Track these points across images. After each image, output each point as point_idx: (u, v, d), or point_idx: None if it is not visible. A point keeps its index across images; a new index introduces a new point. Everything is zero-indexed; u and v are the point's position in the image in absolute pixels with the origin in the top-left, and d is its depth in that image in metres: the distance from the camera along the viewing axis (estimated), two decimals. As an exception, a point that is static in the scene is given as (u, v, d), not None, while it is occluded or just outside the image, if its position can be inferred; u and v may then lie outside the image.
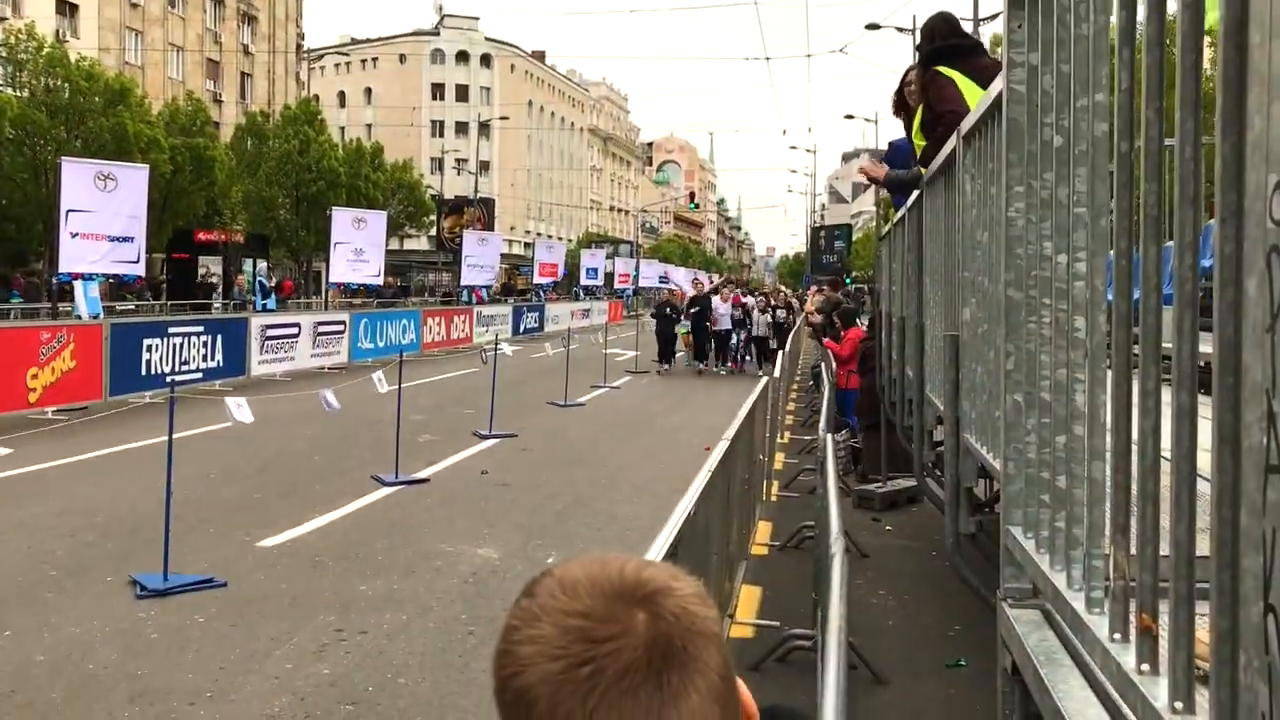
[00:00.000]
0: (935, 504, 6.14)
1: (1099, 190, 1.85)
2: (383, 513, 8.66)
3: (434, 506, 8.93)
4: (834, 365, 11.65)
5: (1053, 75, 2.08)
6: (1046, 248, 2.12)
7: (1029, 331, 2.27)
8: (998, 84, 2.84)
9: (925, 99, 5.47)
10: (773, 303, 23.22)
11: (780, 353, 14.59)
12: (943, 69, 5.32)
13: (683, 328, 22.41)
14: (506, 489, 9.75)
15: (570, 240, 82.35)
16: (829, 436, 6.07)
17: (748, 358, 22.37)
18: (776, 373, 11.39)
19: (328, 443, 12.01)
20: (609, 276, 52.93)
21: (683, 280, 32.26)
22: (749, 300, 22.58)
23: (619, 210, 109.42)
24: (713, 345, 22.24)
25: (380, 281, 26.00)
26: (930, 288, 5.40)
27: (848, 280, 46.64)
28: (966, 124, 3.74)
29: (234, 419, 6.97)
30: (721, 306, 21.67)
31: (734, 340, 21.81)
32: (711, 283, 25.47)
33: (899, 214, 7.60)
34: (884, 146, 8.83)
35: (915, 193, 6.21)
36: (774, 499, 9.73)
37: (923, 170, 5.62)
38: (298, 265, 46.41)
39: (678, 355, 23.03)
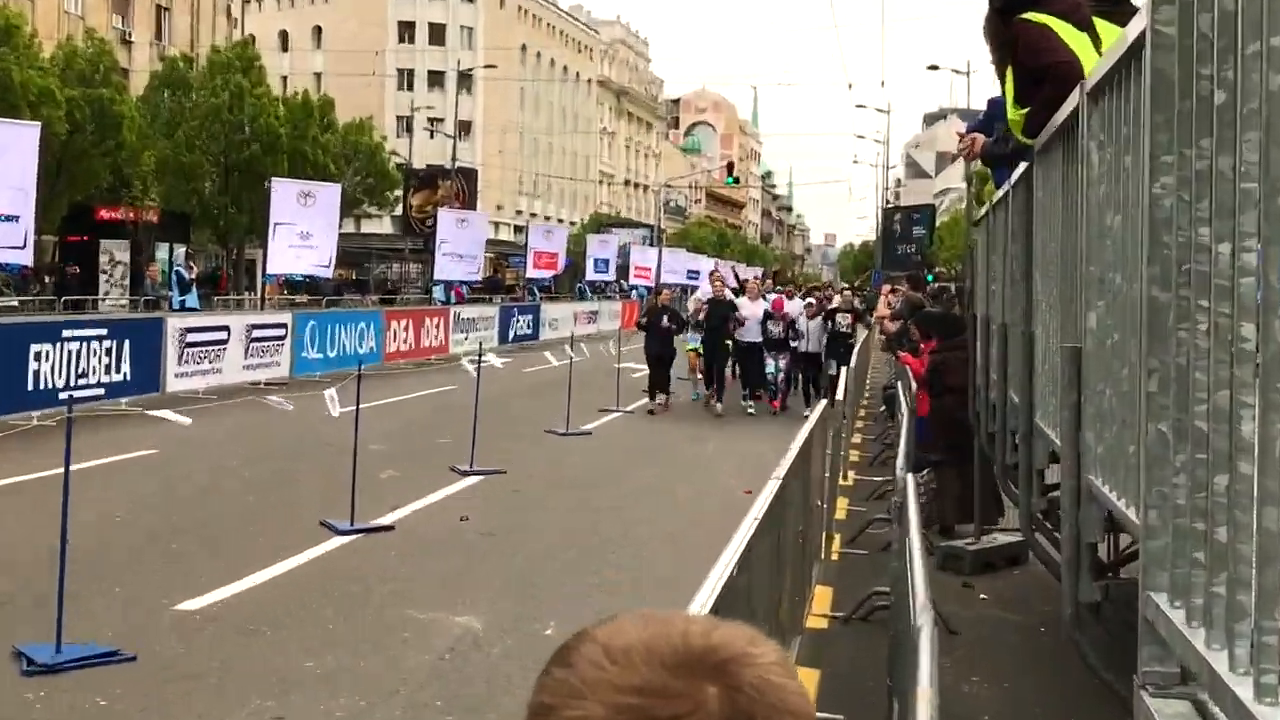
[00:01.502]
0: (1047, 565, 6.11)
1: (1275, 159, 1.85)
2: (335, 569, 8.70)
3: (400, 561, 8.97)
4: (913, 386, 11.64)
5: (1213, 13, 2.08)
6: (1203, 234, 2.12)
7: (1179, 342, 2.27)
8: (1137, 25, 2.85)
9: (1013, 57, 5.47)
10: (829, 304, 20.66)
11: (843, 374, 13.18)
12: (1031, 16, 5.32)
13: (689, 343, 20.12)
14: (492, 539, 9.79)
15: (574, 223, 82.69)
16: (909, 477, 6.07)
17: (793, 390, 19.96)
18: (840, 393, 11.39)
19: (265, 478, 12.07)
20: (623, 270, 53.13)
21: (724, 271, 31.90)
22: (794, 306, 19.70)
23: (636, 185, 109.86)
24: (736, 371, 19.85)
25: (331, 273, 26.21)
26: (1042, 286, 5.40)
27: (929, 277, 46.65)
28: (1093, 77, 3.75)
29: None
30: (749, 308, 19.08)
31: (772, 366, 19.23)
32: (755, 281, 22.24)
33: (1000, 192, 7.60)
34: (979, 105, 8.86)
35: (1022, 166, 6.21)
36: (836, 557, 9.74)
37: (1027, 141, 5.62)
38: (226, 252, 46.74)
39: (683, 380, 20.85)
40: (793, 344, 19.22)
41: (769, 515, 5.02)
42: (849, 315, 19.94)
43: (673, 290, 24.82)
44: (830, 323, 19.66)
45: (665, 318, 19.25)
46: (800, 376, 19.94)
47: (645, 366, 19.88)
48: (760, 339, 19.02)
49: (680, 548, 9.81)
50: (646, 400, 19.44)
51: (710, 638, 0.80)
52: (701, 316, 19.47)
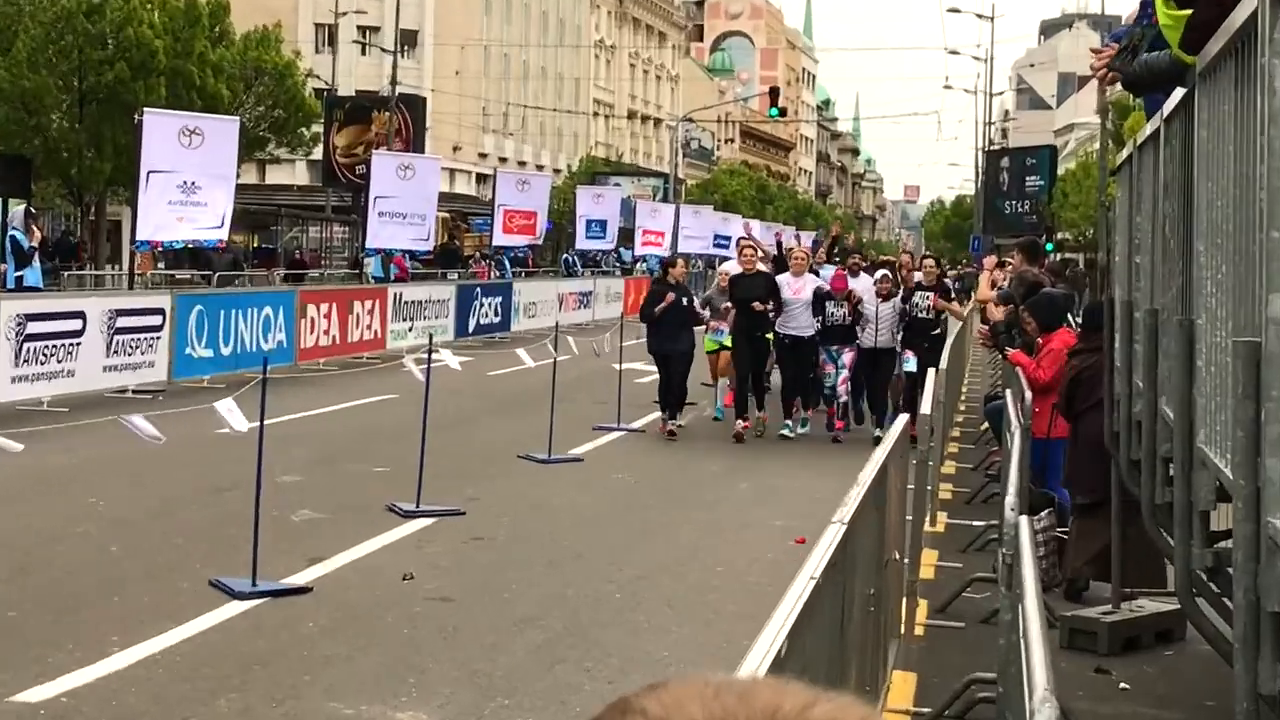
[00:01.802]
0: (1212, 643, 6.11)
1: None
2: (231, 645, 8.71)
3: (320, 636, 8.98)
4: (1027, 396, 11.63)
5: None
6: None
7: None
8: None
9: None
10: (909, 282, 19.59)
11: (929, 378, 12.68)
12: None
13: (713, 339, 20.05)
14: (448, 606, 9.78)
15: (559, 171, 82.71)
16: (1022, 521, 6.07)
17: (860, 406, 19.45)
18: (926, 408, 11.38)
19: (136, 523, 12.10)
20: (626, 235, 53.14)
21: (760, 236, 31.35)
22: (862, 284, 18.88)
23: (645, 119, 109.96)
24: (781, 377, 19.35)
25: (224, 239, 26.21)
26: (1206, 260, 5.40)
27: (1049, 246, 46.62)
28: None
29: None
30: (794, 286, 18.52)
31: (832, 370, 18.64)
32: (802, 251, 20.45)
33: (1147, 129, 7.59)
34: (1118, 7, 8.86)
35: (1179, 92, 6.21)
36: (920, 632, 9.73)
37: (1186, 57, 5.62)
38: (81, 210, 46.81)
39: (706, 386, 20.72)
40: (859, 337, 18.56)
41: (829, 575, 5.01)
42: (931, 295, 18.97)
43: (689, 262, 23.70)
44: (908, 307, 18.74)
45: (668, 296, 18.34)
46: (864, 381, 19.07)
47: (657, 369, 19.30)
48: (811, 330, 18.42)
49: (703, 620, 9.79)
50: (658, 415, 19.19)
51: (782, 704, 0.79)
52: (727, 302, 18.82)
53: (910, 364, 18.54)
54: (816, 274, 19.33)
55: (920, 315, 18.87)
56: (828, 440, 18.58)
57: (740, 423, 18.37)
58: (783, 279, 18.58)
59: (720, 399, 20.41)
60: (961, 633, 9.76)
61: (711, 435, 19.01)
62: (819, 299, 18.41)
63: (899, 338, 18.79)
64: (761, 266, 18.94)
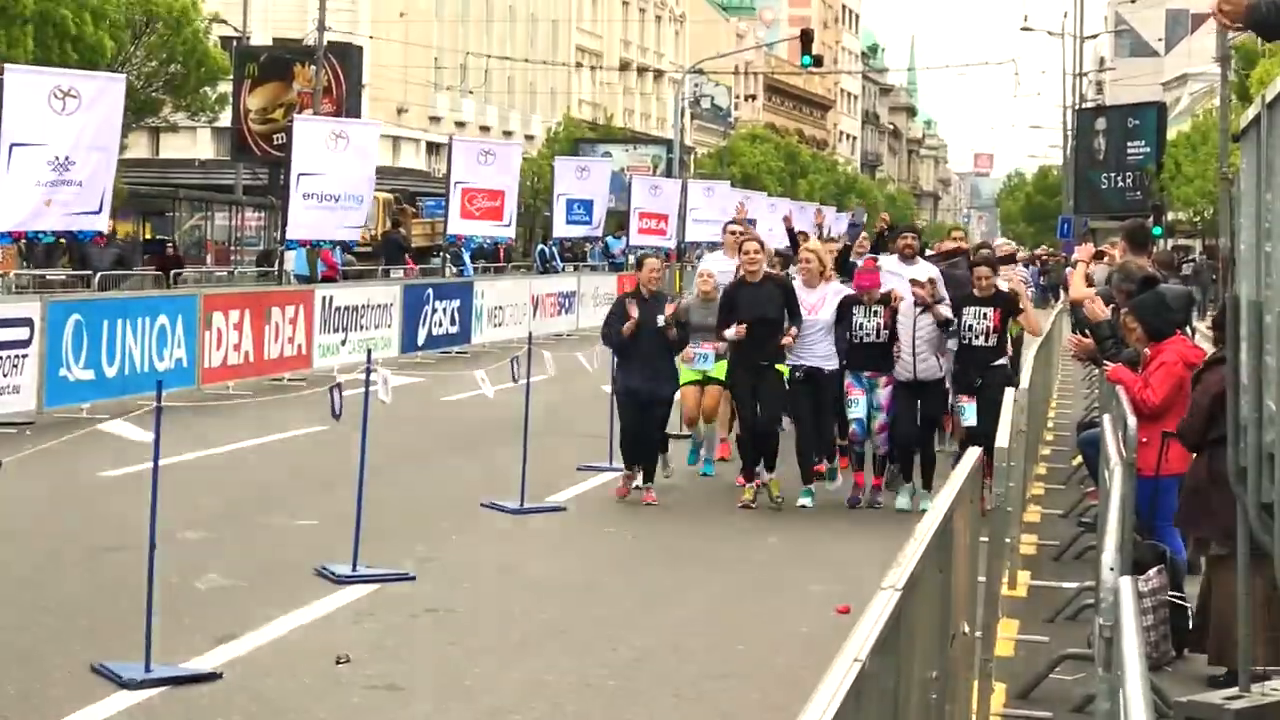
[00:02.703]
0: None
1: None
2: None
3: (232, 736, 8.97)
4: (1131, 423, 11.63)
5: None
6: None
7: None
8: None
9: None
10: (979, 283, 16.77)
11: (1004, 427, 11.88)
12: None
13: (693, 367, 17.92)
14: (394, 697, 9.78)
15: (532, 138, 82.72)
16: (1123, 584, 6.07)
17: (890, 461, 17.24)
18: (1003, 439, 11.38)
19: (3, 592, 12.09)
20: (617, 220, 53.13)
21: (800, 221, 30.85)
22: (907, 276, 17.00)
23: (642, 72, 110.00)
24: (794, 426, 17.55)
25: (106, 229, 26.17)
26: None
27: (1158, 230, 46.59)
28: None
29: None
30: (809, 299, 16.79)
31: (860, 405, 16.78)
32: (823, 244, 19.07)
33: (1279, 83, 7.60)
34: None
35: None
36: (996, 723, 9.71)
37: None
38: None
39: (682, 438, 18.63)
40: (897, 358, 16.66)
41: (879, 655, 5.01)
42: (992, 309, 16.63)
43: (661, 260, 20.02)
44: (953, 323, 16.60)
45: (648, 321, 16.50)
46: (898, 427, 16.87)
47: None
48: (834, 361, 16.80)
49: (719, 714, 9.78)
50: (619, 472, 17.27)
51: None
52: (712, 318, 17.02)
53: (969, 415, 16.39)
54: (852, 273, 17.57)
55: (975, 341, 16.55)
56: (851, 504, 16.96)
57: (746, 487, 16.79)
58: (792, 271, 17.48)
59: (705, 450, 18.68)
60: (1049, 725, 9.76)
61: (728, 473, 18.85)
62: (845, 309, 16.66)
63: (946, 369, 16.84)
64: (767, 267, 17.24)
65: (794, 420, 17.44)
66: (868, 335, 16.63)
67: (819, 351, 16.73)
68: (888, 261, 17.62)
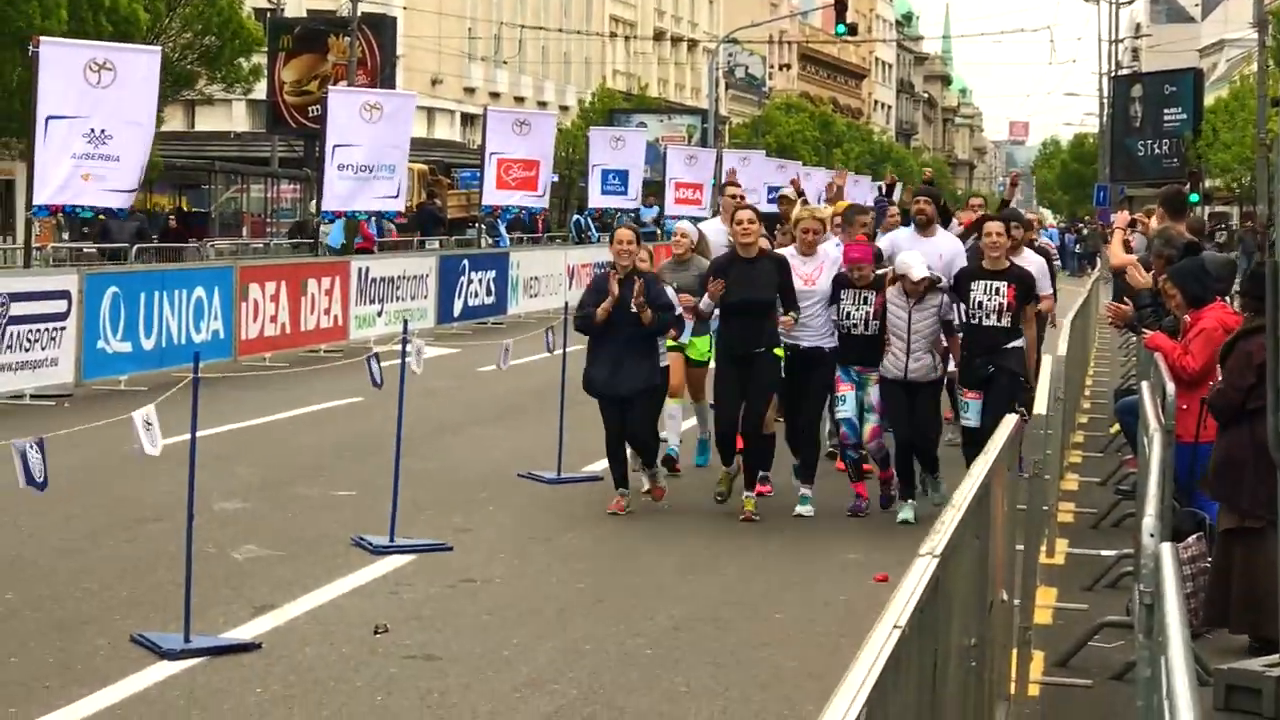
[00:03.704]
0: None
1: None
2: (162, 716, 8.73)
3: (273, 704, 9.00)
4: (1169, 390, 11.58)
5: None
6: None
7: None
8: None
9: None
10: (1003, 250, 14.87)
11: (1034, 395, 11.84)
12: None
13: (674, 342, 15.60)
14: (431, 666, 9.78)
15: (567, 109, 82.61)
16: (1164, 550, 6.04)
17: (897, 467, 15.05)
18: (1043, 406, 11.34)
19: (39, 564, 12.15)
20: (653, 190, 53.06)
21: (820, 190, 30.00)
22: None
23: (677, 42, 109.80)
24: (786, 419, 15.38)
25: (129, 203, 26.19)
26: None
27: (1194, 198, 46.33)
28: None
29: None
30: (803, 268, 14.76)
31: (848, 402, 14.87)
32: (826, 209, 16.62)
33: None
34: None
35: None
36: (1035, 692, 9.69)
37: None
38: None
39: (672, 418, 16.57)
40: (903, 348, 14.57)
41: (918, 622, 5.00)
42: (1006, 284, 14.69)
43: (636, 229, 15.99)
44: (965, 306, 14.74)
45: (624, 302, 14.22)
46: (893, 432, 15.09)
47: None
48: (834, 339, 14.81)
49: (758, 682, 9.77)
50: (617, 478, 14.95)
51: None
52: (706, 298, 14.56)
53: (971, 415, 14.68)
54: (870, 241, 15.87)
55: (986, 320, 14.64)
56: (850, 512, 14.84)
57: (730, 473, 14.94)
58: (788, 253, 14.96)
59: (704, 436, 17.01)
60: (1088, 693, 9.73)
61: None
62: (835, 292, 14.74)
63: (940, 362, 14.83)
64: (764, 241, 15.05)
65: (785, 412, 15.22)
66: (855, 326, 14.61)
67: (816, 328, 14.68)
68: (901, 235, 16.37)
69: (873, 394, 14.77)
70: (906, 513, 14.46)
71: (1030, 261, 16.47)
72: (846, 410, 14.83)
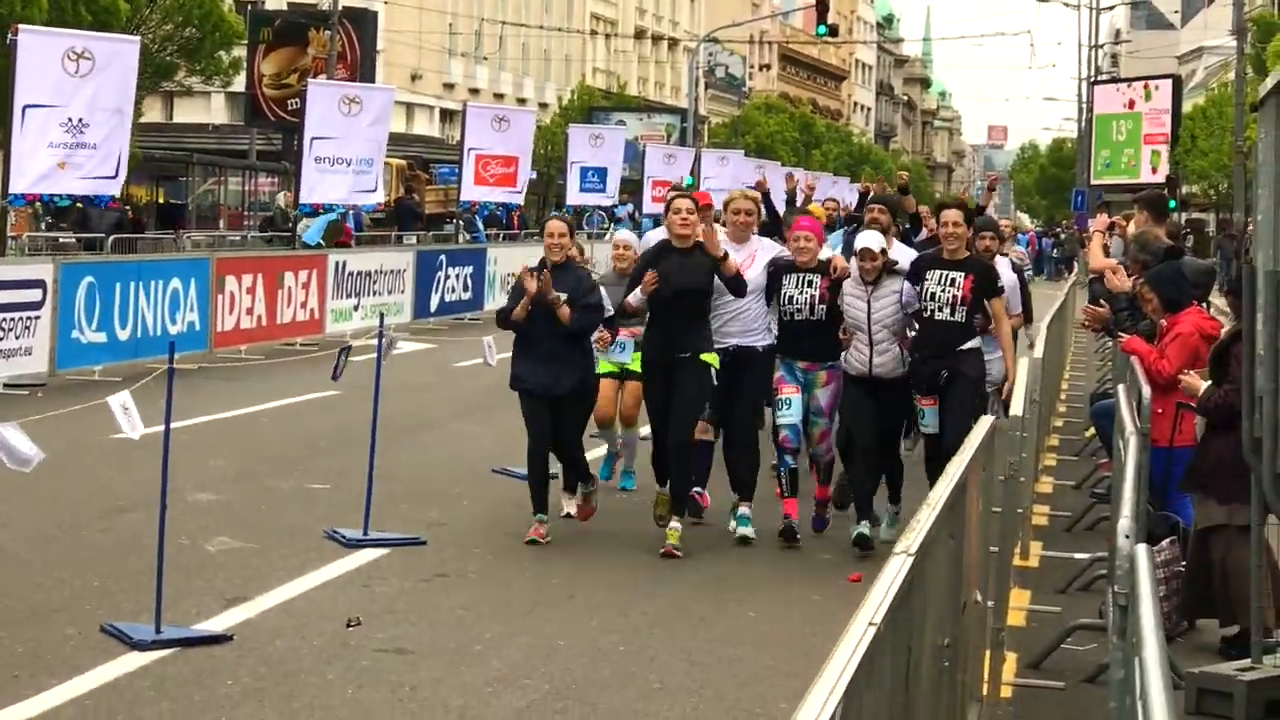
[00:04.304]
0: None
1: None
2: (131, 707, 8.71)
3: (244, 696, 9.00)
4: (1145, 393, 11.61)
5: None
6: None
7: None
8: None
9: None
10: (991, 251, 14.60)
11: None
12: None
13: (610, 358, 14.64)
14: (404, 660, 9.79)
15: (546, 106, 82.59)
16: (1139, 552, 6.05)
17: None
18: (1018, 408, 11.35)
19: (10, 553, 12.13)
20: (631, 188, 53.07)
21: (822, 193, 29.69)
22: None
23: (657, 40, 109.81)
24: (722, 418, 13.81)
25: (118, 193, 26.16)
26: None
27: (1172, 204, 46.47)
28: None
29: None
30: (740, 255, 13.35)
31: (792, 407, 13.34)
32: (744, 192, 14.67)
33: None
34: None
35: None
36: (1008, 694, 9.71)
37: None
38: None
39: (595, 436, 15.50)
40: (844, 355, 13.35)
41: (893, 620, 5.00)
42: (963, 275, 13.10)
43: (569, 222, 14.13)
44: (915, 298, 13.17)
45: (539, 298, 12.90)
46: (847, 438, 13.81)
47: None
48: (767, 337, 13.55)
49: (734, 679, 9.78)
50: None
51: None
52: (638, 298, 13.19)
53: (929, 422, 13.12)
54: (779, 236, 15.00)
55: (939, 314, 13.07)
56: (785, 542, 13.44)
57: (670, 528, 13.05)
58: (724, 237, 13.51)
59: (624, 459, 15.65)
60: (1060, 695, 9.75)
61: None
62: (773, 277, 13.42)
63: (904, 359, 13.28)
64: (701, 228, 13.22)
65: (715, 422, 13.74)
66: (800, 311, 13.21)
67: (748, 324, 13.37)
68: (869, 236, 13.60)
69: (821, 397, 13.32)
70: (863, 528, 13.10)
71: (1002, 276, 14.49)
72: (790, 415, 13.32)
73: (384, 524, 13.07)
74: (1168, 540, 10.75)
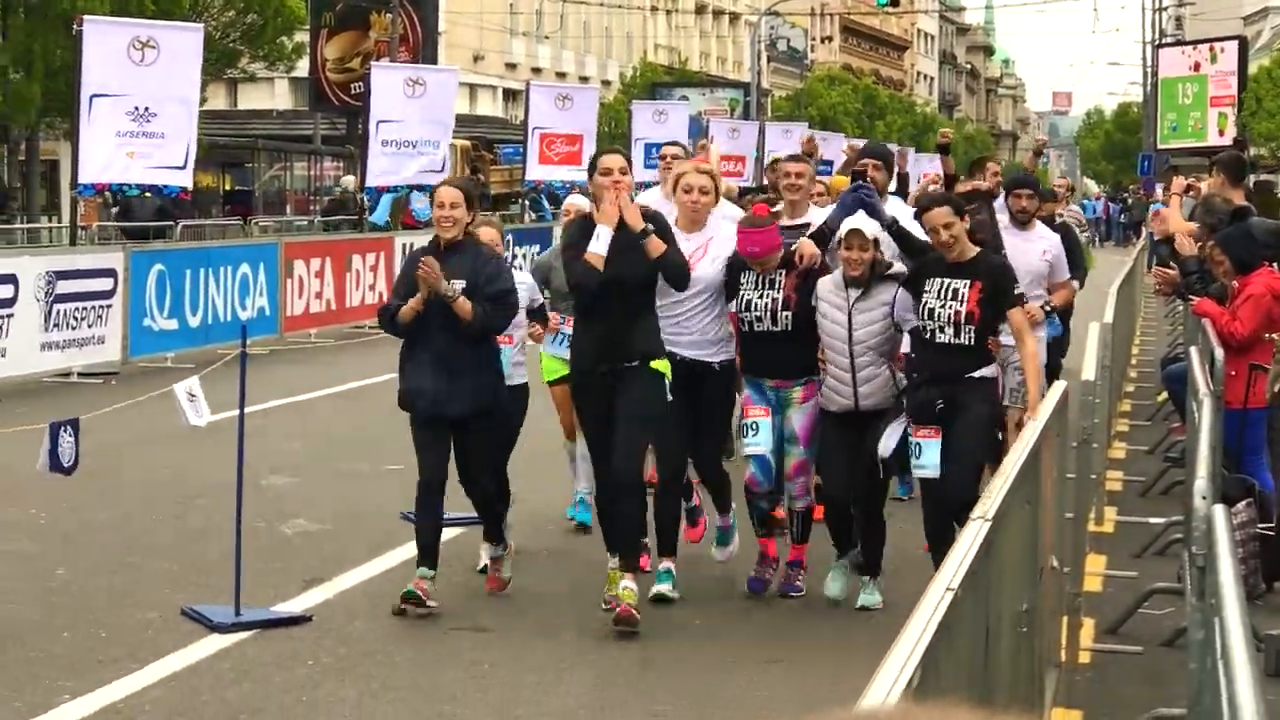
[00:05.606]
0: None
1: None
2: (214, 689, 8.78)
3: (324, 676, 9.05)
4: (1218, 356, 11.53)
5: None
6: None
7: None
8: None
9: None
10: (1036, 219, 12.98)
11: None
12: None
13: (550, 350, 13.06)
14: (481, 639, 9.83)
15: (611, 84, 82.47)
16: (1216, 513, 6.01)
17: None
18: (1091, 374, 11.27)
19: (88, 538, 12.19)
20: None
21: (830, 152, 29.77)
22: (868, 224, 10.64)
23: (719, 15, 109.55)
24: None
25: (188, 184, 26.26)
26: None
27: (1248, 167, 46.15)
28: None
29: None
30: (688, 243, 10.56)
31: (764, 418, 10.70)
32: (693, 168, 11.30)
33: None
34: None
35: None
36: (1086, 659, 9.69)
37: None
38: (8, 147, 47.02)
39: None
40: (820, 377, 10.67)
41: (970, 586, 4.98)
42: (967, 284, 10.11)
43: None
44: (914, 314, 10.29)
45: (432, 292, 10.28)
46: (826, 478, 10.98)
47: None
48: (724, 351, 10.88)
49: (816, 626, 9.76)
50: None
51: None
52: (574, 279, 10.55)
53: (926, 462, 10.03)
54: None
55: (939, 335, 10.14)
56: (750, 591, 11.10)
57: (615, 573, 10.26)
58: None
59: (581, 485, 13.01)
60: (1138, 659, 9.69)
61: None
62: (732, 274, 10.69)
63: (897, 382, 10.49)
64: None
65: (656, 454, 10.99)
66: (759, 320, 10.56)
67: (699, 331, 10.68)
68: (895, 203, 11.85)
69: (795, 420, 10.60)
70: (835, 585, 10.59)
71: (1041, 239, 12.94)
72: (759, 444, 10.63)
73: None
74: (1244, 503, 10.68)
